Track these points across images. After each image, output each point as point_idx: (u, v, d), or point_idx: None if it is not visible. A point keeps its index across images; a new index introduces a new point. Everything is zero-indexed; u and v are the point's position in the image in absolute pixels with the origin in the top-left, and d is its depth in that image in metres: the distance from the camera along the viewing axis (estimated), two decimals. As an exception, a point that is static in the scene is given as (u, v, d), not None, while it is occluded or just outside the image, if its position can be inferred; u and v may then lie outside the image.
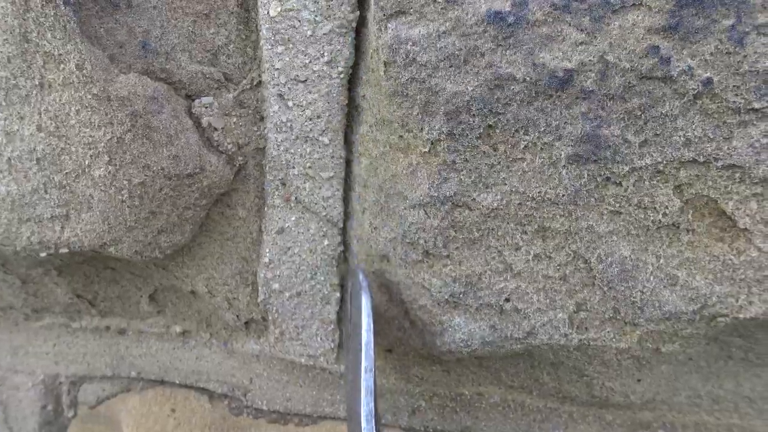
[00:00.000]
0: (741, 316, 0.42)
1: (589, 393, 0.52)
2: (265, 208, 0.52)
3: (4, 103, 0.47)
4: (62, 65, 0.45)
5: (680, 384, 0.51)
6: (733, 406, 0.52)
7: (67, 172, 0.47)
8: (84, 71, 0.44)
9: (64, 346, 0.68)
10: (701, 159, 0.39)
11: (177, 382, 0.64)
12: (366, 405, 0.41)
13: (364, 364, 0.42)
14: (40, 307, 0.66)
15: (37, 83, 0.46)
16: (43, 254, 0.52)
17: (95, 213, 0.49)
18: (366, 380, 0.42)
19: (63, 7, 0.43)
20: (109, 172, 0.47)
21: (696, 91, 0.37)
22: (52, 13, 0.43)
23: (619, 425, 0.55)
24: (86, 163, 0.47)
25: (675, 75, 0.37)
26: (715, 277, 0.42)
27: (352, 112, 0.49)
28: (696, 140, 0.39)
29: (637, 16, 0.37)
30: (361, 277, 0.47)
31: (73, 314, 0.66)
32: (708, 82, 0.37)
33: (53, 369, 0.69)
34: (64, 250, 0.51)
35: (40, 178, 0.48)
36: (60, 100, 0.46)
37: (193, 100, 0.48)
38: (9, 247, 0.52)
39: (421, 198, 0.44)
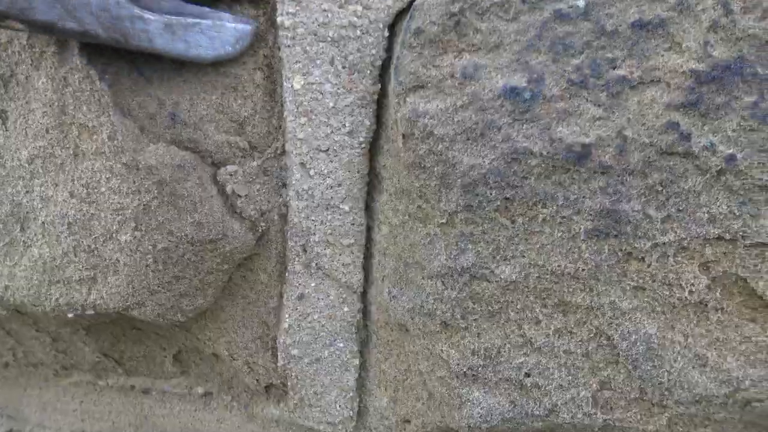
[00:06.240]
0: (778, 401, 0.40)
1: (619, 476, 0.49)
2: (286, 274, 0.52)
3: (41, 171, 0.49)
4: (95, 136, 0.47)
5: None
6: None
7: (95, 237, 0.49)
8: (115, 141, 0.46)
9: (90, 404, 0.69)
10: (728, 236, 0.38)
11: (197, 444, 0.64)
12: None
13: None
14: (69, 365, 0.67)
15: (71, 152, 0.48)
16: (70, 315, 0.53)
17: (120, 276, 0.50)
18: None
19: (99, 83, 0.45)
20: (135, 238, 0.48)
21: (719, 168, 0.36)
22: (89, 89, 0.45)
23: None
24: (114, 228, 0.48)
25: (696, 151, 0.36)
26: (748, 359, 0.40)
27: (372, 180, 0.49)
28: (721, 217, 0.37)
29: (656, 93, 0.36)
30: None
31: (100, 372, 0.67)
32: (731, 158, 0.36)
33: (79, 426, 0.69)
34: (90, 312, 0.52)
35: (71, 242, 0.50)
36: (92, 168, 0.47)
37: (219, 168, 0.49)
38: (39, 307, 0.53)
39: (439, 269, 0.44)
